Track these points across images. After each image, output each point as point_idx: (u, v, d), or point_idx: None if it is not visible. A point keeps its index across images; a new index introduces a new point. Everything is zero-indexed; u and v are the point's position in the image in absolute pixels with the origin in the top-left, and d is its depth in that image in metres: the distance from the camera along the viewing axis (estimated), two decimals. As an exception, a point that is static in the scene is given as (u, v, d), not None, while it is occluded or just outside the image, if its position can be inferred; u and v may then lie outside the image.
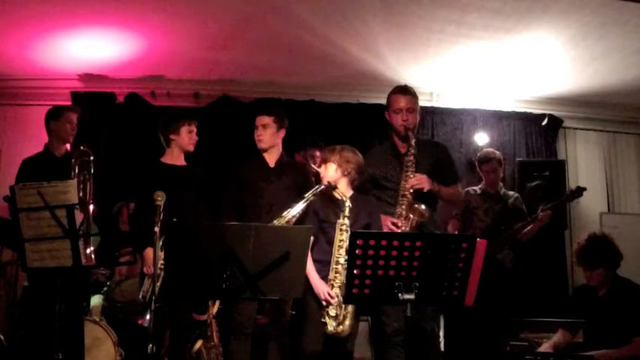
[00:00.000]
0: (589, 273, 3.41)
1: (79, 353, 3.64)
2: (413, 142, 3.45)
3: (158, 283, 3.33)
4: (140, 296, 3.59)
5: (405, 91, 3.58)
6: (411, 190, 3.38)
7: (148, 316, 3.46)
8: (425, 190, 3.38)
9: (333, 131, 5.25)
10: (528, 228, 4.71)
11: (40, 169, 3.77)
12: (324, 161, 3.34)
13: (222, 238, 2.42)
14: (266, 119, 3.76)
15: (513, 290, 4.58)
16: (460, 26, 4.47)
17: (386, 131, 5.55)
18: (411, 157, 3.43)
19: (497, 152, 5.06)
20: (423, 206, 3.37)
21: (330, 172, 3.30)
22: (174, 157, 3.80)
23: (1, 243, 4.54)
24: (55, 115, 3.95)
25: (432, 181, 3.42)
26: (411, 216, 3.35)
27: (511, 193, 5.03)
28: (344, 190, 3.26)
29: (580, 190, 4.78)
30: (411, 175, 3.40)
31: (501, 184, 5.02)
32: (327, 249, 3.22)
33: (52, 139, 3.97)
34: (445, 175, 3.60)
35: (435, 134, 5.86)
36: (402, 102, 3.53)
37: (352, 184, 3.34)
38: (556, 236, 5.27)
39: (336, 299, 3.13)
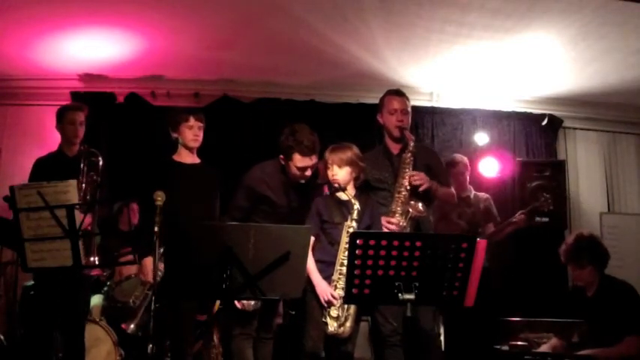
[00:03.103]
0: (579, 272, 3.41)
1: (80, 354, 3.64)
2: (412, 141, 3.45)
3: (150, 292, 3.34)
4: (130, 301, 3.59)
5: (399, 93, 3.62)
6: (408, 187, 3.38)
7: (132, 325, 3.46)
8: (423, 188, 3.38)
9: (333, 131, 5.24)
10: (504, 230, 4.77)
11: (51, 169, 3.75)
12: (337, 164, 3.28)
13: (222, 238, 2.42)
14: (315, 159, 3.35)
15: (488, 289, 4.59)
16: (460, 26, 4.47)
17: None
18: (409, 155, 3.44)
19: (465, 157, 5.06)
20: (420, 203, 3.37)
21: (344, 175, 3.27)
22: (183, 155, 3.74)
23: (1, 243, 4.54)
24: (58, 116, 3.93)
25: (429, 180, 3.42)
26: (410, 210, 3.35)
27: (481, 194, 5.04)
28: (350, 190, 3.26)
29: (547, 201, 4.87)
30: (408, 172, 3.40)
31: (470, 187, 5.02)
32: (330, 249, 3.23)
33: (62, 140, 3.97)
34: (437, 179, 3.60)
35: (434, 134, 5.86)
36: (396, 103, 3.56)
37: (356, 183, 3.35)
38: (556, 236, 5.27)
39: (339, 300, 3.13)
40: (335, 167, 3.27)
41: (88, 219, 3.35)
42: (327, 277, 3.19)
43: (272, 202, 3.41)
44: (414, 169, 3.44)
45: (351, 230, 3.15)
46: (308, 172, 3.35)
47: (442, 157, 4.15)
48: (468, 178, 5.01)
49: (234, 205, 3.47)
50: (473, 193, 5.00)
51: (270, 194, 3.40)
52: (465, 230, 4.76)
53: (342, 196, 3.27)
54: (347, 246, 3.09)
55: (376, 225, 3.33)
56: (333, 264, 3.20)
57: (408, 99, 3.63)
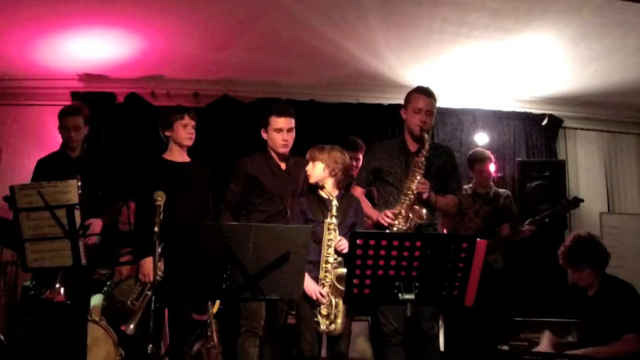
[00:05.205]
0: (577, 274, 3.40)
1: (81, 354, 3.63)
2: (427, 144, 3.42)
3: (149, 292, 3.34)
4: (129, 301, 3.60)
5: (428, 93, 3.56)
6: (415, 192, 3.37)
7: (132, 325, 3.47)
8: (425, 197, 3.38)
9: (333, 131, 5.24)
10: (514, 237, 4.76)
11: (55, 169, 3.74)
12: (312, 159, 3.36)
13: (222, 238, 2.42)
14: (293, 122, 3.55)
15: (503, 291, 4.59)
16: (460, 26, 4.47)
17: (386, 131, 5.61)
18: (422, 159, 3.41)
19: (487, 152, 5.08)
20: (424, 210, 3.36)
21: (318, 171, 3.33)
22: (175, 154, 3.74)
23: (1, 243, 4.54)
24: (58, 119, 3.92)
25: (432, 191, 3.41)
26: (410, 216, 3.35)
27: (502, 191, 5.03)
28: (330, 190, 3.28)
29: (577, 201, 4.80)
30: (419, 177, 3.38)
31: (492, 183, 5.02)
32: (316, 248, 3.24)
33: (63, 141, 3.96)
34: (448, 183, 3.59)
35: (435, 134, 5.84)
36: (424, 103, 3.51)
37: (338, 184, 3.37)
38: (556, 236, 5.27)
39: (327, 298, 3.15)
40: (310, 163, 3.37)
41: (99, 227, 3.40)
42: (315, 278, 3.21)
43: (261, 184, 3.51)
44: (428, 169, 3.42)
45: (331, 227, 3.20)
46: (286, 136, 3.49)
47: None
48: (491, 174, 5.01)
49: (227, 192, 3.59)
50: (493, 190, 4.99)
51: (258, 174, 3.52)
52: (479, 228, 4.76)
53: (322, 194, 3.31)
54: (329, 243, 3.19)
55: (360, 224, 3.37)
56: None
57: (435, 99, 3.57)
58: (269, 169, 3.57)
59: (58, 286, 3.36)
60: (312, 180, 3.34)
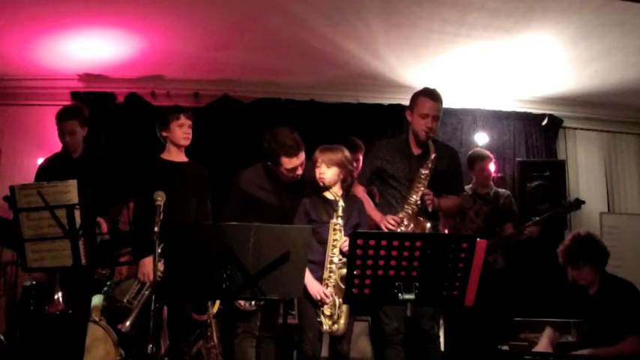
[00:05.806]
0: (576, 272, 3.42)
1: (79, 354, 3.63)
2: (433, 156, 3.37)
3: (147, 292, 3.34)
4: (125, 300, 3.60)
5: (435, 96, 3.49)
6: (419, 202, 3.36)
7: (127, 323, 3.48)
8: (431, 209, 3.36)
9: (333, 131, 5.25)
10: (517, 237, 4.75)
11: (55, 170, 3.74)
12: (326, 163, 3.30)
13: (222, 238, 2.42)
14: (304, 154, 3.39)
15: (505, 291, 4.59)
16: (460, 26, 4.47)
17: (386, 131, 5.60)
18: (427, 171, 3.37)
19: (487, 152, 5.09)
20: (428, 224, 3.36)
21: (331, 175, 3.30)
22: (172, 154, 3.74)
23: (1, 243, 4.54)
24: (56, 122, 3.91)
25: (435, 200, 3.39)
26: (412, 227, 3.35)
27: (502, 191, 5.03)
28: (336, 191, 3.28)
29: (578, 203, 4.79)
30: (423, 189, 3.36)
31: (492, 183, 5.02)
32: (319, 249, 3.24)
33: None
34: (451, 185, 3.57)
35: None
36: (430, 108, 3.45)
37: (343, 185, 3.37)
38: (556, 236, 5.26)
39: (331, 298, 3.15)
40: (323, 166, 3.30)
41: (105, 227, 3.40)
42: (319, 278, 3.21)
43: (263, 203, 3.45)
44: (431, 175, 3.39)
45: (337, 227, 3.19)
46: (299, 171, 3.40)
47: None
48: (492, 173, 5.01)
49: (227, 209, 3.50)
50: (493, 189, 4.98)
51: (261, 196, 3.45)
52: (480, 229, 4.75)
53: (327, 195, 3.31)
54: (334, 243, 3.18)
55: (364, 224, 3.36)
56: (324, 263, 3.22)
57: (441, 102, 3.52)
58: (270, 186, 3.48)
59: (57, 297, 3.35)
60: (322, 182, 3.29)
